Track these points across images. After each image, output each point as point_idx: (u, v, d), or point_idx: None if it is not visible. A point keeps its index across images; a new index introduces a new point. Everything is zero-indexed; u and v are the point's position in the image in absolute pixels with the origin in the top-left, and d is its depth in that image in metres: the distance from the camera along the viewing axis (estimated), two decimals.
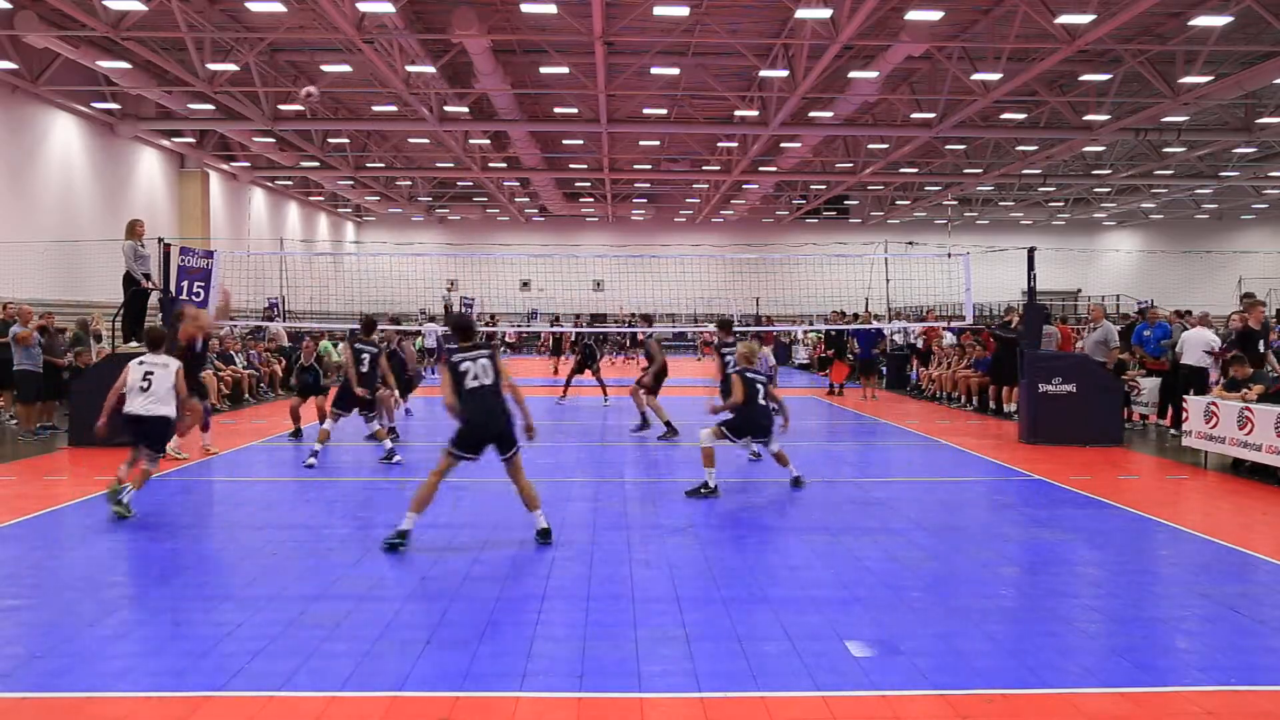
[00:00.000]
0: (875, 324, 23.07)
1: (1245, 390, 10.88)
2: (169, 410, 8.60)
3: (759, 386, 9.65)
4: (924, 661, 4.93)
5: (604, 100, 26.46)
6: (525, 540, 7.50)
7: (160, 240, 13.92)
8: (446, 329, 16.15)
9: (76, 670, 4.77)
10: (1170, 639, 5.43)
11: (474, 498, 9.33)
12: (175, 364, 8.71)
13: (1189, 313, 19.70)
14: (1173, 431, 13.86)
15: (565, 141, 35.90)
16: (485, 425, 7.39)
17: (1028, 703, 4.47)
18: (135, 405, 8.50)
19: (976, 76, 23.38)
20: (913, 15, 19.72)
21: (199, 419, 11.81)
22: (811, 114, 29.18)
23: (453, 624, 5.49)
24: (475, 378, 7.39)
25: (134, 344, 13.68)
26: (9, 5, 19.15)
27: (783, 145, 34.03)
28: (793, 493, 9.64)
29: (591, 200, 48.26)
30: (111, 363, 13.11)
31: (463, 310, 35.86)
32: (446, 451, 7.36)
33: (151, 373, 8.57)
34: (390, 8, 18.03)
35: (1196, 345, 13.60)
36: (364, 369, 11.54)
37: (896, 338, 24.87)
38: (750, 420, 9.66)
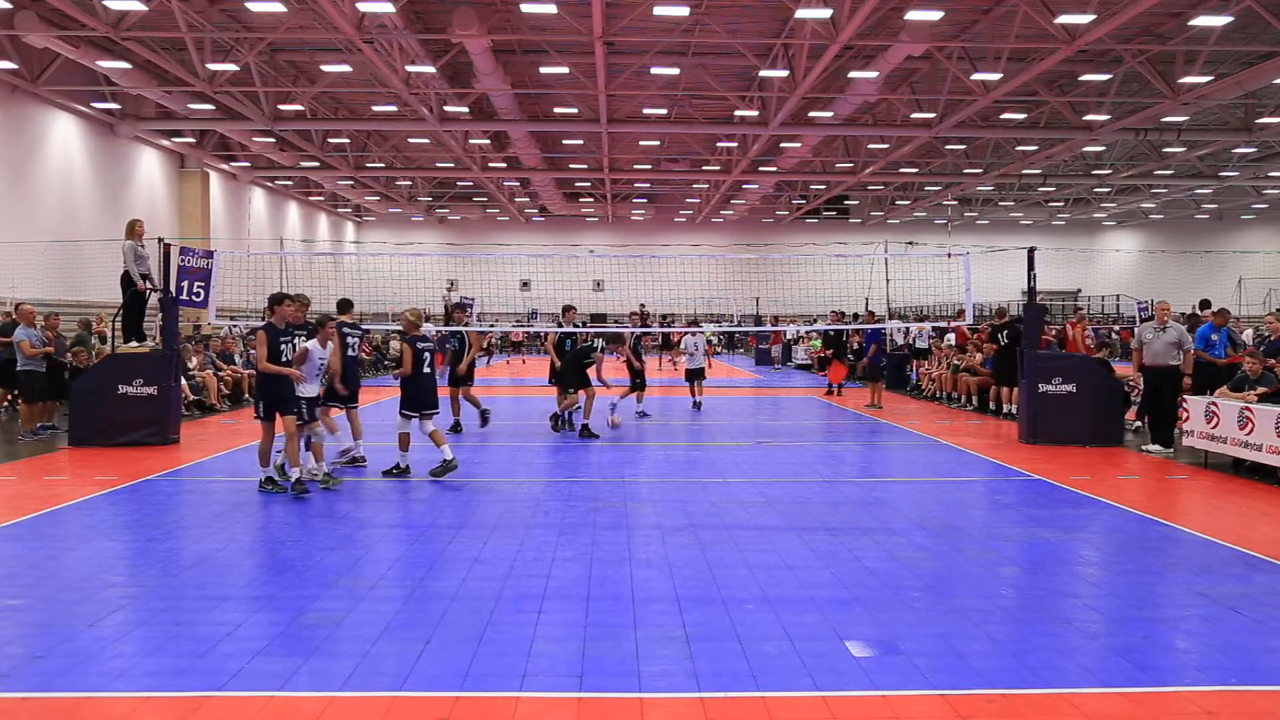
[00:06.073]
0: (894, 323, 21.89)
1: (1249, 390, 10.88)
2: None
3: (426, 355, 10.07)
4: (924, 661, 4.92)
5: (604, 100, 26.45)
6: (525, 540, 7.50)
7: (160, 240, 13.91)
8: (442, 328, 16.12)
9: (76, 670, 4.77)
10: (1170, 639, 5.42)
11: (472, 498, 9.34)
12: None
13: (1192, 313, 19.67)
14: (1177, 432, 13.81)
15: (565, 141, 35.90)
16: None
17: (1028, 703, 4.47)
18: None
19: (976, 76, 23.37)
20: (913, 15, 19.72)
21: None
22: (811, 114, 29.18)
23: (453, 624, 5.49)
24: (286, 357, 9.73)
25: (134, 344, 13.66)
26: (9, 5, 19.14)
27: (783, 145, 34.02)
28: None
29: (591, 200, 48.25)
30: (112, 363, 13.10)
31: (464, 307, 35.78)
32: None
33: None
34: (390, 8, 18.04)
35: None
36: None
37: (918, 341, 23.87)
38: (418, 392, 10.08)
